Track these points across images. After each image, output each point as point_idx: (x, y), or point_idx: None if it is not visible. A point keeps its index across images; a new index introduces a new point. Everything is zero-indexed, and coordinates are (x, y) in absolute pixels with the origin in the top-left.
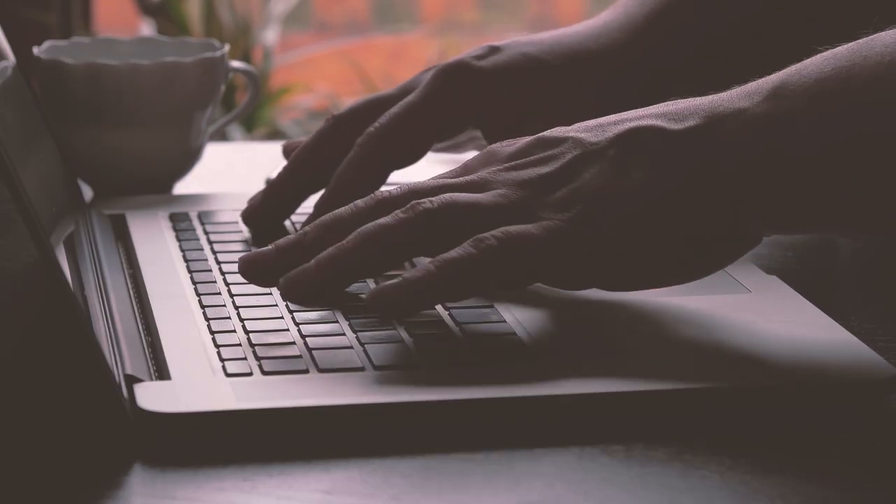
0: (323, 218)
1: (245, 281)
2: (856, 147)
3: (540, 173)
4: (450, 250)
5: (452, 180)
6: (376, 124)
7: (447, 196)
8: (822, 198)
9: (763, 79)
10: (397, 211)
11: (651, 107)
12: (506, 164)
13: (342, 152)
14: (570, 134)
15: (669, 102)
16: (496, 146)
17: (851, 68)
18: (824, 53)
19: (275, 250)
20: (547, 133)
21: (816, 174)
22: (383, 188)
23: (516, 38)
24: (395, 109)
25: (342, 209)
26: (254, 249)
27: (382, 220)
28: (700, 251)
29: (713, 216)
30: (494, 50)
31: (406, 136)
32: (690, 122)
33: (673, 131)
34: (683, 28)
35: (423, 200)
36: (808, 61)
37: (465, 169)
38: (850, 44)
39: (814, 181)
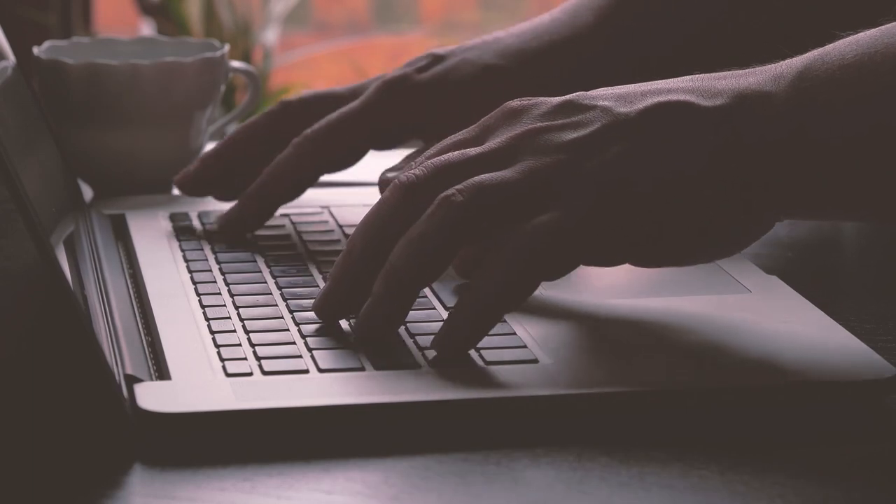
0: (361, 230)
1: (244, 282)
2: (877, 135)
3: (568, 139)
4: (486, 232)
5: (476, 152)
6: (314, 127)
7: (475, 183)
8: (843, 183)
9: (787, 63)
10: (430, 212)
11: (678, 80)
12: (530, 127)
13: (280, 137)
14: (599, 102)
15: (695, 77)
16: (515, 104)
17: (874, 55)
18: (846, 39)
19: (334, 285)
20: (573, 97)
21: (838, 159)
22: (402, 170)
23: (462, 43)
24: (332, 116)
25: (373, 213)
26: (319, 291)
27: (420, 230)
28: (723, 228)
29: (736, 192)
30: (437, 59)
31: (339, 142)
32: (719, 101)
33: (702, 107)
34: (639, 28)
35: (451, 193)
36: (830, 47)
37: (485, 129)
38: (872, 30)
39: (836, 166)
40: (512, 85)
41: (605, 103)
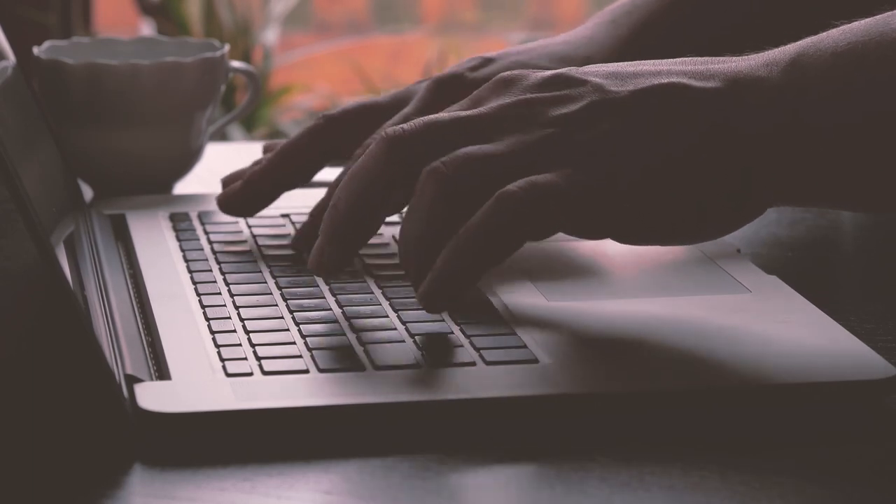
0: (346, 185)
1: (244, 282)
2: (869, 124)
3: (557, 114)
4: (472, 206)
5: (465, 114)
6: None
7: (461, 155)
8: (835, 171)
9: (780, 49)
10: (419, 184)
11: (670, 61)
12: (520, 98)
13: (328, 152)
14: (590, 78)
15: (687, 59)
16: (506, 75)
17: (867, 44)
18: (841, 27)
19: (325, 241)
20: (565, 71)
21: (830, 148)
22: (393, 126)
23: (506, 49)
24: (394, 120)
25: (358, 167)
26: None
27: (413, 206)
28: (710, 211)
29: (725, 177)
30: (487, 61)
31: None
32: (712, 84)
33: (696, 89)
34: (667, 38)
35: (437, 165)
36: (823, 34)
37: (477, 100)
38: (867, 19)
39: (827, 154)
40: None
41: (597, 80)
